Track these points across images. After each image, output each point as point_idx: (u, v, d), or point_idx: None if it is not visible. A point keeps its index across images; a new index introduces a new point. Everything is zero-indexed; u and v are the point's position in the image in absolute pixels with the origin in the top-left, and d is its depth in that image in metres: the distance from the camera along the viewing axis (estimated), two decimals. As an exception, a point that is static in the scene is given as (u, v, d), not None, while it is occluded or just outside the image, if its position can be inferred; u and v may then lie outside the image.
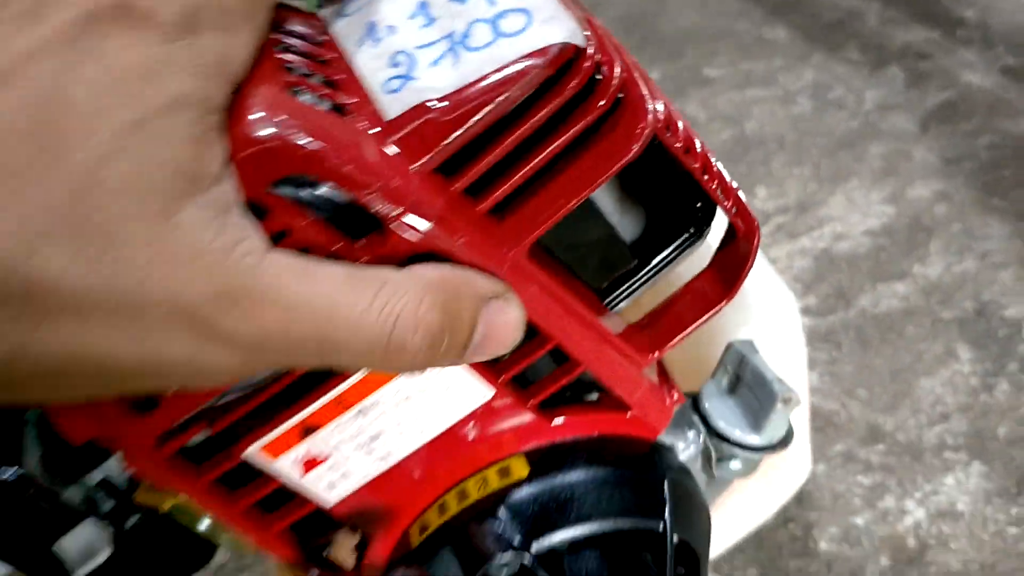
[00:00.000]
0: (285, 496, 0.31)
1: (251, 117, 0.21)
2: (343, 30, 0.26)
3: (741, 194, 0.30)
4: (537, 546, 0.30)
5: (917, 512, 0.51)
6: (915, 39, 0.84)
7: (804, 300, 0.63)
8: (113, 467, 0.32)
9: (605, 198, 0.32)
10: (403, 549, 0.32)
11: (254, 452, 0.28)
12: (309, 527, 0.33)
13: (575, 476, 0.31)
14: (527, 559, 0.29)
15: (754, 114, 0.80)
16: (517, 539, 0.30)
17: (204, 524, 0.33)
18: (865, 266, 0.65)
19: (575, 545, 0.30)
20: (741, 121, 0.80)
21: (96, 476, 0.32)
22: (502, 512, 0.30)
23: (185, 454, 0.28)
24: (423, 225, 0.23)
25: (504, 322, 0.24)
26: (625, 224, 0.33)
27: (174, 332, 0.20)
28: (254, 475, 0.30)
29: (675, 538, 0.31)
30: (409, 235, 0.23)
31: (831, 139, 0.76)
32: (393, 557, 0.32)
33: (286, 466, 0.29)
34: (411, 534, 0.32)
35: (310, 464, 0.29)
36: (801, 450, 0.47)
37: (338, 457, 0.30)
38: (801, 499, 0.53)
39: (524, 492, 0.30)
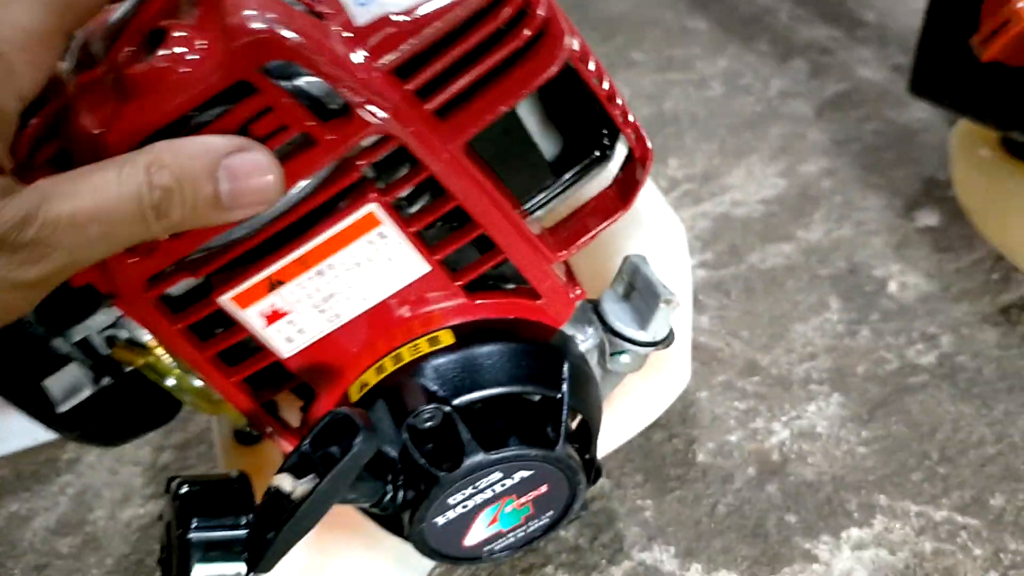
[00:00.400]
0: (247, 351, 0.38)
1: (246, 12, 0.29)
2: None
3: (639, 124, 0.38)
4: (457, 401, 0.37)
5: (782, 433, 0.60)
6: (820, 36, 0.93)
7: (702, 255, 0.71)
8: (96, 324, 0.37)
9: (530, 120, 0.40)
10: (343, 404, 0.38)
11: (226, 300, 0.35)
12: (264, 382, 0.39)
13: (491, 348, 0.38)
14: (448, 411, 0.36)
15: (672, 95, 0.88)
16: (440, 395, 0.37)
17: (171, 381, 0.39)
18: (757, 229, 0.73)
19: (487, 403, 0.37)
20: (660, 100, 0.88)
21: (80, 332, 0.37)
22: (429, 372, 0.37)
23: (168, 303, 0.35)
24: (381, 114, 0.31)
25: (249, 169, 0.29)
26: (545, 144, 0.41)
27: None
28: (223, 326, 0.36)
29: (568, 406, 0.38)
30: (370, 119, 0.31)
31: (737, 120, 0.84)
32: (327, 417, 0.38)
33: (253, 316, 0.36)
34: (351, 392, 0.38)
35: (273, 317, 0.36)
36: (682, 359, 0.54)
37: (297, 313, 0.36)
38: (685, 419, 0.60)
39: (449, 358, 0.37)
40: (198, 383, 0.39)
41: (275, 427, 0.41)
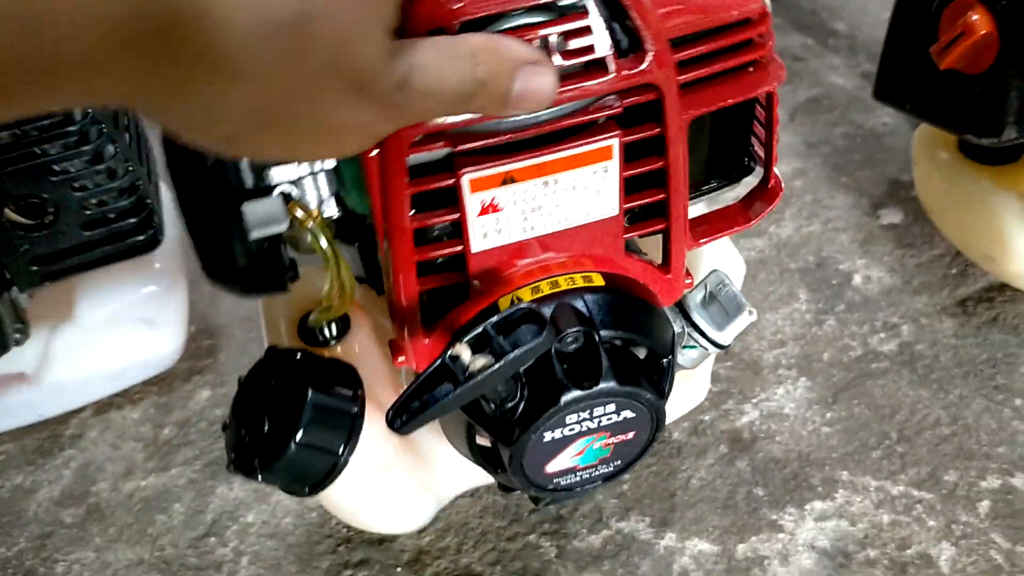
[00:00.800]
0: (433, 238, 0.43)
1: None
2: None
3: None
4: (600, 333, 0.42)
5: (752, 413, 0.63)
6: (793, 44, 0.97)
7: (679, 249, 0.75)
8: (283, 175, 0.40)
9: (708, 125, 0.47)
10: (489, 316, 0.40)
11: (465, 179, 0.39)
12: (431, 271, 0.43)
13: (632, 300, 0.44)
14: (595, 336, 0.41)
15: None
16: (580, 326, 0.42)
17: (324, 243, 0.42)
18: (731, 224, 0.77)
19: (621, 343, 0.44)
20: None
21: (275, 176, 0.40)
22: (580, 304, 0.43)
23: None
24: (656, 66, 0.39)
25: (537, 83, 0.34)
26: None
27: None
28: (439, 205, 0.41)
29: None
30: (651, 67, 0.39)
31: (714, 121, 0.88)
32: (474, 323, 0.42)
33: (474, 202, 0.41)
34: (500, 303, 0.43)
35: (487, 209, 0.42)
36: (704, 375, 0.59)
37: (506, 213, 0.42)
38: (661, 400, 0.64)
39: (599, 296, 0.43)
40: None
41: (411, 322, 0.44)
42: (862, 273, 0.72)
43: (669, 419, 0.59)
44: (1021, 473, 0.58)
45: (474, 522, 0.58)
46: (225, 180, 0.40)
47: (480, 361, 0.38)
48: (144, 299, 0.64)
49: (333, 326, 0.49)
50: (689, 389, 0.59)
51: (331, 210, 0.43)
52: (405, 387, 0.39)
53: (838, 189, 0.79)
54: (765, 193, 0.50)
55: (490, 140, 0.40)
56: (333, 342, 0.50)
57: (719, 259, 0.56)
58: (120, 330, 0.64)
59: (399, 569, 0.56)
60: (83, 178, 0.55)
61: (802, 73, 0.93)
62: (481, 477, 0.52)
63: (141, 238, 0.59)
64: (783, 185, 0.50)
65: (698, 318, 0.51)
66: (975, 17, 0.53)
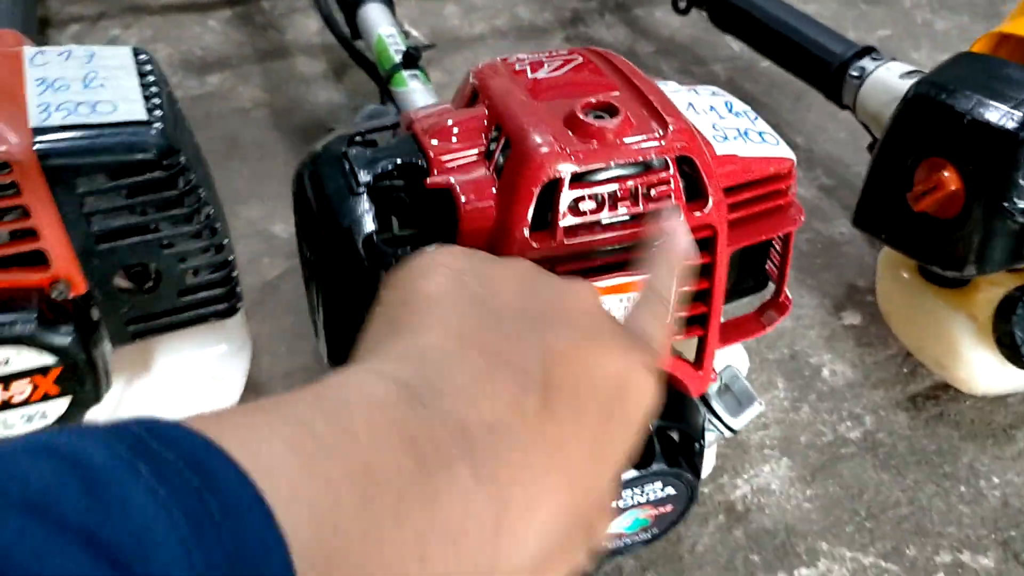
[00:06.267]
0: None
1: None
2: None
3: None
4: (655, 423, 0.52)
5: (744, 488, 0.73)
6: (760, 152, 1.10)
7: (674, 335, 0.85)
8: None
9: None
10: None
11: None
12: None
13: (678, 393, 0.55)
14: (648, 425, 0.50)
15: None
16: None
17: None
18: (718, 316, 0.88)
19: (667, 429, 0.54)
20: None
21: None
22: None
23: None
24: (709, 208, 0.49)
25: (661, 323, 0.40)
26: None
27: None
28: None
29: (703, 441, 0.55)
30: (713, 211, 0.48)
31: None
32: None
33: None
34: None
35: None
36: (711, 454, 0.69)
37: None
38: (668, 472, 0.73)
39: None
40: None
41: None
42: (828, 367, 0.84)
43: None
44: (968, 550, 0.69)
45: None
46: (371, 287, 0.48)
47: None
48: (215, 357, 0.69)
49: None
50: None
51: None
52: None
53: (805, 290, 0.91)
54: (777, 306, 0.61)
55: (580, 264, 0.48)
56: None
57: (731, 355, 0.67)
58: (189, 384, 0.69)
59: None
60: (187, 252, 0.61)
61: (770, 180, 1.05)
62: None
63: (224, 305, 0.65)
64: (791, 300, 0.61)
65: (717, 406, 0.61)
66: (946, 174, 0.65)
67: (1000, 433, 0.78)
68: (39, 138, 0.54)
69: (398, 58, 0.87)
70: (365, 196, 0.45)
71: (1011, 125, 0.61)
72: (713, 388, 0.61)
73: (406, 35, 0.95)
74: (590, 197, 0.45)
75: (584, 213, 0.45)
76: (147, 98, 0.58)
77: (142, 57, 0.63)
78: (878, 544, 0.70)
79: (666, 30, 1.33)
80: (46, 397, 0.61)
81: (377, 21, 0.94)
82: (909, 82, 0.82)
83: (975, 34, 0.94)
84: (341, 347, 0.50)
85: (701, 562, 0.68)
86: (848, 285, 0.92)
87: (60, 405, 0.61)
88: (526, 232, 0.45)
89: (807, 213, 1.01)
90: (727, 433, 0.61)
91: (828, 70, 0.90)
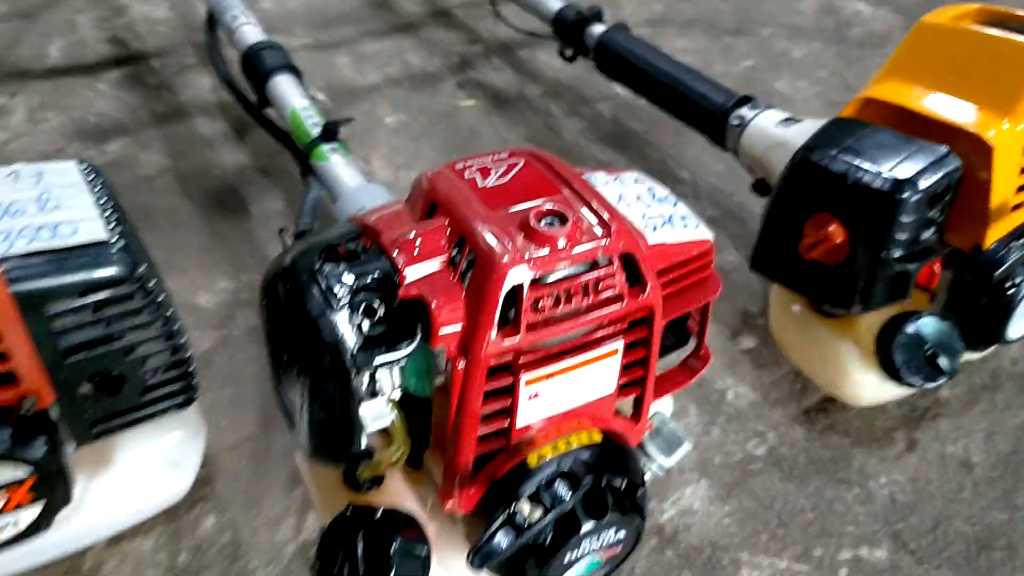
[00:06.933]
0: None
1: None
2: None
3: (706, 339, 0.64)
4: (604, 474, 0.59)
5: (671, 511, 0.82)
6: (650, 188, 1.19)
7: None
8: (401, 355, 0.52)
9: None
10: (521, 470, 0.57)
11: (525, 377, 0.55)
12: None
13: (619, 448, 0.61)
14: (601, 481, 0.58)
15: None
16: (594, 470, 0.58)
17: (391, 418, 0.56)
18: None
19: (617, 481, 0.60)
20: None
21: (388, 357, 0.53)
22: (588, 455, 0.59)
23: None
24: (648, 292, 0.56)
25: None
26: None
27: None
28: (500, 395, 0.55)
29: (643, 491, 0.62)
30: (652, 295, 0.57)
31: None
32: (510, 475, 0.58)
33: (525, 392, 0.56)
34: (529, 459, 0.56)
35: (532, 396, 0.57)
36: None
37: (543, 399, 0.57)
38: (603, 505, 0.81)
39: (601, 447, 0.59)
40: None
41: (463, 476, 0.58)
42: (732, 390, 0.93)
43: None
44: (865, 545, 0.80)
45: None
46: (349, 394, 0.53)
47: (536, 513, 0.54)
48: (173, 444, 0.72)
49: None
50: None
51: (396, 393, 0.56)
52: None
53: (703, 318, 1.00)
54: (699, 358, 0.69)
55: (540, 352, 0.55)
56: (373, 489, 0.62)
57: (658, 402, 0.74)
58: (149, 472, 0.72)
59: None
60: (149, 354, 0.65)
61: (661, 215, 1.14)
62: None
63: (183, 397, 0.69)
64: (711, 353, 0.69)
65: (652, 451, 0.68)
66: (832, 228, 0.75)
67: (883, 437, 0.89)
68: (6, 266, 0.56)
69: (315, 131, 0.91)
70: (345, 311, 0.50)
71: (886, 187, 0.71)
72: (647, 435, 0.68)
73: (314, 100, 0.98)
74: (547, 296, 0.52)
75: (543, 310, 0.52)
76: (104, 215, 0.62)
77: (88, 170, 0.65)
78: (790, 548, 0.79)
79: (550, 72, 1.41)
80: (18, 507, 0.63)
81: (288, 93, 0.97)
82: (785, 129, 0.92)
83: (828, 60, 1.05)
84: (326, 442, 0.55)
85: (638, 585, 0.75)
86: (742, 312, 1.02)
87: (33, 511, 0.64)
88: (493, 334, 0.51)
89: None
90: (661, 473, 0.69)
91: (711, 118, 1.00)
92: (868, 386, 0.84)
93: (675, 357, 0.70)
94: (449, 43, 1.48)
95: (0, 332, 0.57)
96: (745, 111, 0.97)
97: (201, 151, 1.21)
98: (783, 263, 0.80)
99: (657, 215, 0.62)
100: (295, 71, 1.01)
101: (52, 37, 1.39)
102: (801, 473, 0.85)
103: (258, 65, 1.00)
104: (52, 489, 0.63)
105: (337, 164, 0.87)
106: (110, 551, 0.75)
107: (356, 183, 0.83)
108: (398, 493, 0.63)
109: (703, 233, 0.63)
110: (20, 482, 0.61)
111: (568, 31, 1.22)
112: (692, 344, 0.70)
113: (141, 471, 0.72)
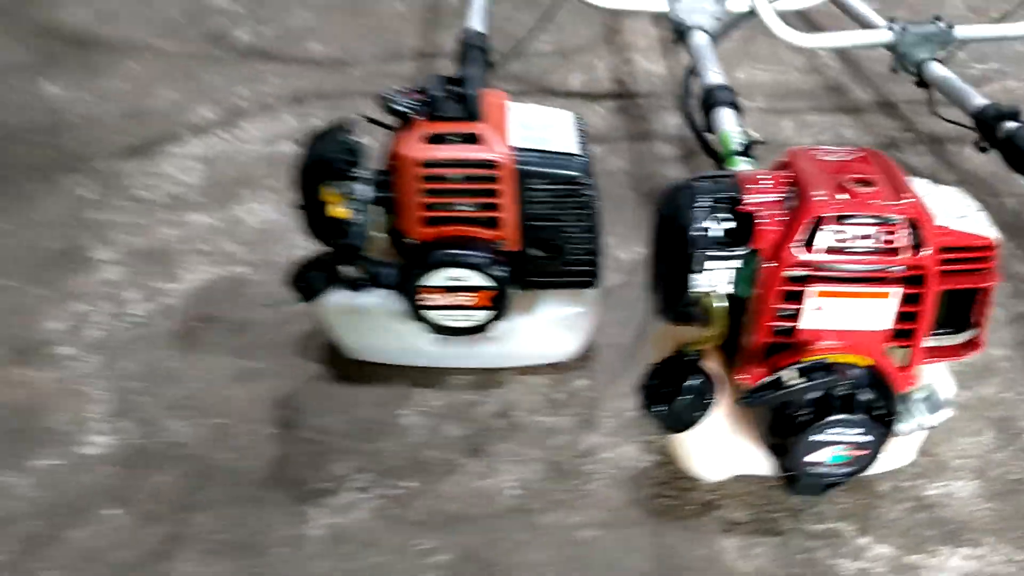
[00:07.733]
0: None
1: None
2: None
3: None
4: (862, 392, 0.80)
5: (938, 489, 0.96)
6: None
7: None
8: None
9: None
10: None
11: (810, 289, 0.79)
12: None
13: (879, 377, 0.82)
14: (856, 389, 0.79)
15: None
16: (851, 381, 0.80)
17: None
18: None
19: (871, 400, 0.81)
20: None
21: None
22: (859, 372, 0.81)
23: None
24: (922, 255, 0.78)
25: None
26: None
27: None
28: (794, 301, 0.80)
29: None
30: (920, 256, 0.78)
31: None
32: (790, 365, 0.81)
33: (811, 302, 0.80)
34: (803, 359, 0.81)
35: (817, 308, 0.80)
36: (911, 449, 0.95)
37: (825, 312, 0.81)
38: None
39: (863, 370, 0.81)
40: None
41: (757, 357, 0.83)
42: (1035, 432, 1.03)
43: (879, 471, 0.93)
44: None
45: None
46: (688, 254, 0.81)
47: (796, 380, 0.77)
48: (575, 314, 1.06)
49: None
50: (899, 453, 0.93)
51: (728, 288, 0.82)
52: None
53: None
54: (974, 343, 0.86)
55: (833, 273, 0.78)
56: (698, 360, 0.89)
57: (937, 377, 0.91)
58: (554, 329, 1.06)
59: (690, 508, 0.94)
60: (576, 238, 0.99)
61: None
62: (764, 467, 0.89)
63: (590, 279, 1.02)
64: (984, 342, 0.85)
65: (918, 405, 0.85)
66: None
67: None
68: (517, 153, 0.94)
69: (735, 147, 1.20)
70: (702, 213, 0.79)
71: None
72: (919, 394, 0.86)
73: (745, 133, 1.28)
74: (842, 231, 0.76)
75: (838, 242, 0.76)
76: (578, 143, 0.98)
77: (579, 121, 1.03)
78: None
79: (970, 165, 1.56)
80: (478, 308, 1.00)
81: (726, 120, 1.28)
82: None
83: None
84: (667, 301, 0.84)
85: (889, 525, 0.92)
86: None
87: (485, 315, 1.00)
88: (794, 248, 0.76)
89: None
90: (923, 428, 0.86)
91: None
92: None
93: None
94: (885, 127, 1.69)
95: (502, 191, 0.95)
96: None
97: (653, 164, 1.57)
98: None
99: (956, 212, 0.81)
100: (736, 107, 1.32)
101: (576, 71, 1.85)
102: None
103: (711, 98, 1.33)
104: (501, 304, 1.00)
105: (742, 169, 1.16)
106: (514, 376, 1.10)
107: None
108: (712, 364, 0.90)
109: (990, 232, 0.81)
110: (487, 289, 0.98)
111: (986, 126, 1.37)
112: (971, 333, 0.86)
113: (549, 326, 1.06)
